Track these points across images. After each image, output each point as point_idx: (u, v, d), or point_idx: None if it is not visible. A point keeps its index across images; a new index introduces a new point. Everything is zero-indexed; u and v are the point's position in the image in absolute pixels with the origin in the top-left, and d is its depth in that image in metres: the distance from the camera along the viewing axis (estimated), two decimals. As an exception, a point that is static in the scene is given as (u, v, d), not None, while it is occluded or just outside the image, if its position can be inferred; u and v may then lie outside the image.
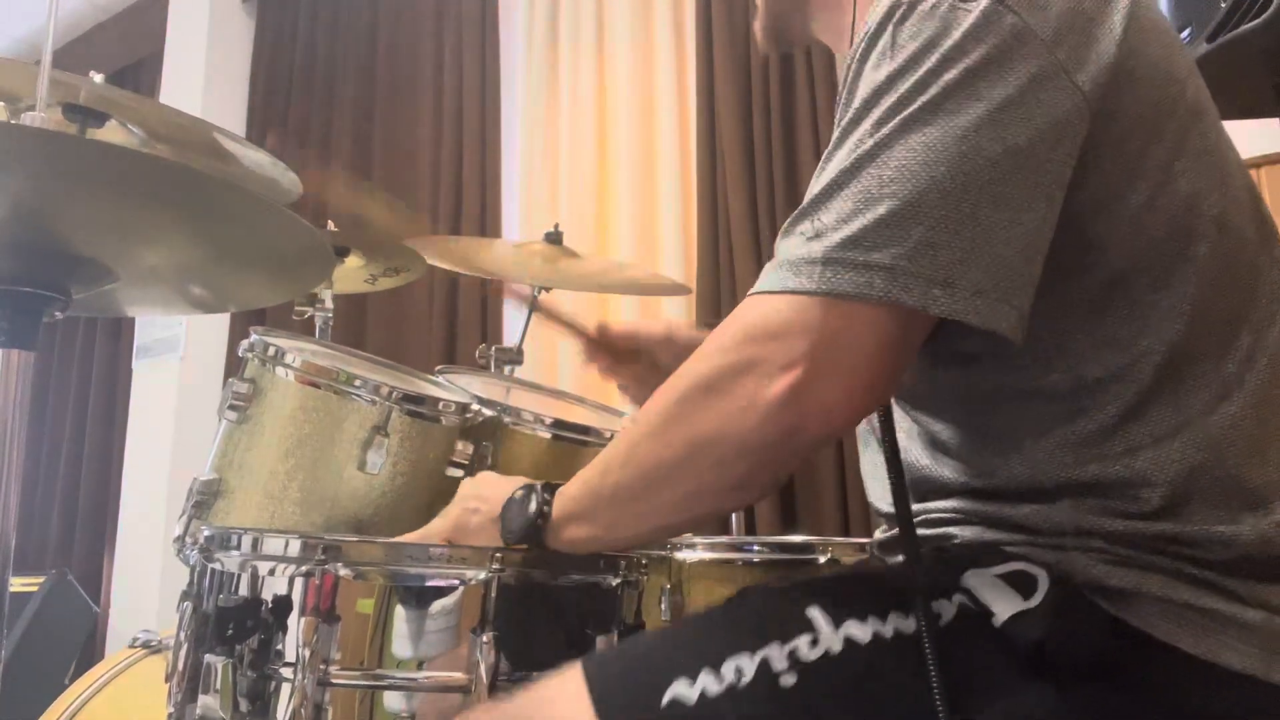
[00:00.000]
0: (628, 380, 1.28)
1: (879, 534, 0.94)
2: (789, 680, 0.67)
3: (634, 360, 1.26)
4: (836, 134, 0.70)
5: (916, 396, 0.81)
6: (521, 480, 0.89)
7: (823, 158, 0.71)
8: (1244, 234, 0.74)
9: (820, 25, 0.95)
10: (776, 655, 0.68)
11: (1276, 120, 1.33)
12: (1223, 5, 1.21)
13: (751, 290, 0.70)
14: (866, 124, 0.67)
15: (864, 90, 0.68)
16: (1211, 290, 0.71)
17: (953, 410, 0.78)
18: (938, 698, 0.64)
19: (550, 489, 0.84)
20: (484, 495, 0.93)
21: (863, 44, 0.70)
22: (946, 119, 0.64)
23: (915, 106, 0.65)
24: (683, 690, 0.68)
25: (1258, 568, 0.68)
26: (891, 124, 0.65)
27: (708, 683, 0.68)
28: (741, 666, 0.68)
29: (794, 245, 0.67)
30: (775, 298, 0.67)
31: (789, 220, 0.70)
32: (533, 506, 0.84)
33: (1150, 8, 0.73)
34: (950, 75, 0.65)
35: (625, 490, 0.77)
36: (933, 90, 0.65)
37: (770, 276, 0.68)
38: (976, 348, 0.70)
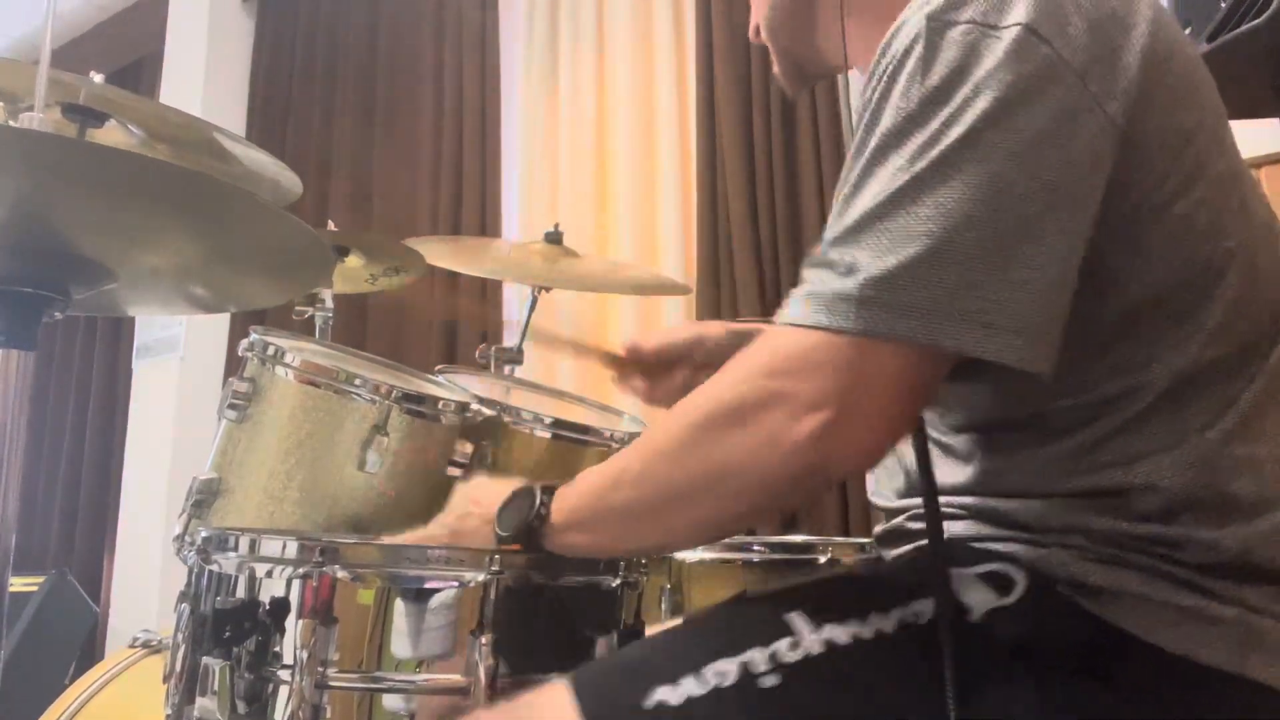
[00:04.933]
0: (665, 397, 1.19)
1: (879, 528, 0.94)
2: (771, 681, 0.68)
3: (669, 373, 1.19)
4: (864, 158, 0.68)
5: None
6: (516, 482, 0.89)
7: (844, 178, 0.70)
8: (1259, 262, 0.74)
9: (833, 49, 0.92)
10: (758, 658, 0.69)
11: (1276, 120, 1.33)
12: (1223, 5, 1.21)
13: (782, 319, 0.69)
14: (900, 156, 0.66)
15: (894, 117, 0.67)
16: (1229, 321, 0.71)
17: (954, 423, 0.79)
18: (949, 682, 0.65)
19: (549, 491, 0.83)
20: (479, 499, 0.92)
21: (891, 64, 0.69)
22: (982, 154, 0.64)
23: (951, 141, 0.64)
24: (666, 695, 0.69)
25: (1237, 571, 0.68)
26: (928, 158, 0.65)
27: (691, 687, 0.69)
28: (723, 670, 0.69)
29: (826, 278, 0.66)
30: (807, 333, 0.66)
31: (822, 246, 0.69)
32: (530, 508, 0.83)
33: (1168, 26, 0.72)
34: (984, 108, 0.64)
35: (635, 509, 0.76)
36: (967, 123, 0.64)
37: (801, 308, 0.67)
38: (988, 374, 0.68)
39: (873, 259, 0.64)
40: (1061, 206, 0.65)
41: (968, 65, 0.65)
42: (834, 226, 0.68)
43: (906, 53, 0.68)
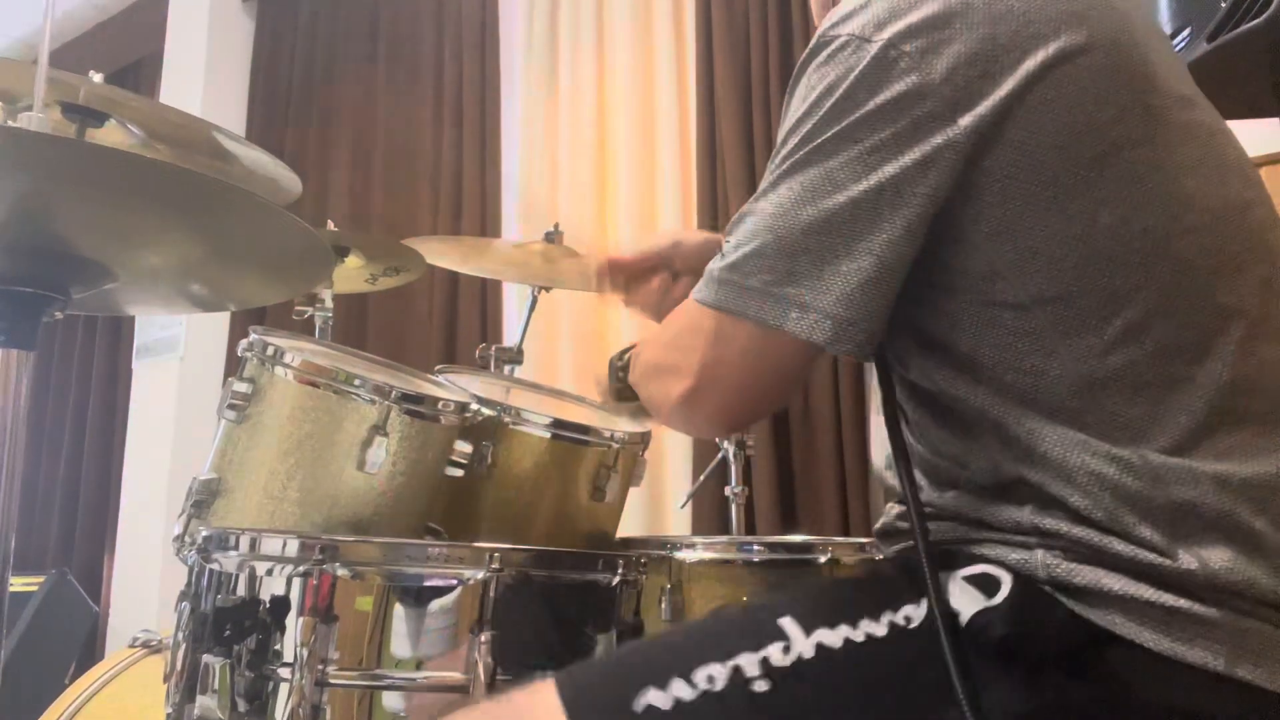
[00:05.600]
0: (645, 302, 1.24)
1: (877, 525, 0.95)
2: (762, 686, 0.69)
3: (650, 278, 1.22)
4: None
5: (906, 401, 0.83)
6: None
7: None
8: (1198, 264, 0.73)
9: None
10: (748, 663, 0.70)
11: (1276, 120, 1.33)
12: (1223, 5, 1.21)
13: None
14: (776, 159, 0.76)
15: (784, 125, 0.77)
16: (1148, 324, 0.71)
17: (933, 425, 0.80)
18: (957, 679, 0.66)
19: (624, 363, 0.98)
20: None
21: (795, 74, 0.78)
22: (822, 161, 0.73)
23: (806, 150, 0.74)
24: (656, 698, 0.69)
25: (1211, 587, 0.68)
26: (787, 164, 0.75)
27: (681, 690, 0.70)
28: (714, 674, 0.70)
29: (714, 261, 0.79)
30: (692, 304, 0.80)
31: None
32: (615, 373, 1.00)
33: (1104, 38, 0.73)
34: (835, 118, 0.73)
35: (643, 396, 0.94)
36: (821, 137, 0.73)
37: (698, 284, 0.80)
38: (925, 378, 0.77)
39: (734, 247, 0.77)
40: (887, 205, 0.71)
41: (836, 82, 0.73)
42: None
43: (801, 67, 0.77)
